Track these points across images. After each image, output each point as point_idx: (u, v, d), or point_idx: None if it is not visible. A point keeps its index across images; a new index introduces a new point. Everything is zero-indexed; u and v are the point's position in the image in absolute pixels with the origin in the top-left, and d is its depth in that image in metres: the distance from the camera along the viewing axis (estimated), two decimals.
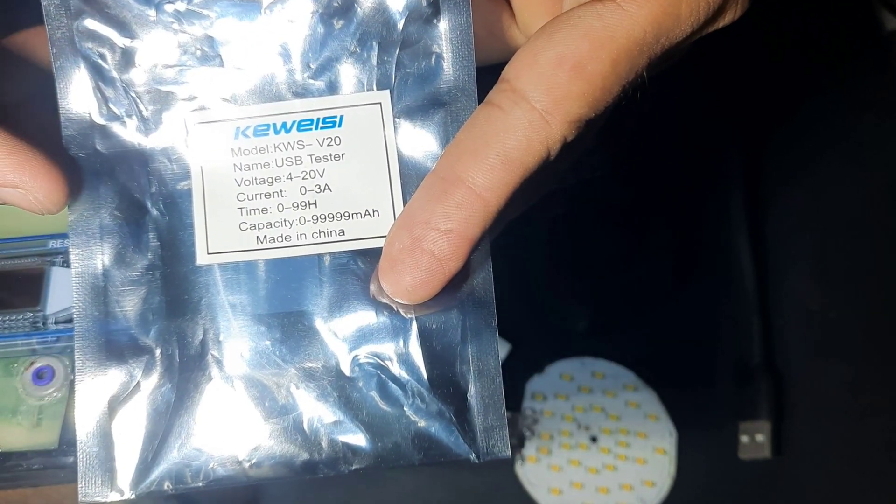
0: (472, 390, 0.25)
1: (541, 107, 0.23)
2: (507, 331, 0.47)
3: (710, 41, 0.26)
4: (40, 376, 0.29)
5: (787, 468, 0.46)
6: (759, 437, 0.45)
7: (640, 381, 0.47)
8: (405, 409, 0.25)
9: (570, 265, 0.48)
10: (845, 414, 0.46)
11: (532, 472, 0.46)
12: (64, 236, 0.30)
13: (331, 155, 0.26)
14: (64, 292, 0.29)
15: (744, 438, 0.46)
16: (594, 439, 0.47)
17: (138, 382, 0.25)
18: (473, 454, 0.25)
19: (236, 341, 0.26)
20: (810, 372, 0.47)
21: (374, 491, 0.46)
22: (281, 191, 0.26)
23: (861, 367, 0.46)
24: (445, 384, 0.25)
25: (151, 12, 0.26)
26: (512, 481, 0.46)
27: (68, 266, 0.29)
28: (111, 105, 0.26)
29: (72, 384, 0.29)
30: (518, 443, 0.46)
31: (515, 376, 0.47)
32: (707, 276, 0.49)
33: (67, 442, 0.28)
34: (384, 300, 0.26)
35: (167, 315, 0.26)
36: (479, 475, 0.46)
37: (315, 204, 0.26)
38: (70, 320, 0.28)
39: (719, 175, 0.50)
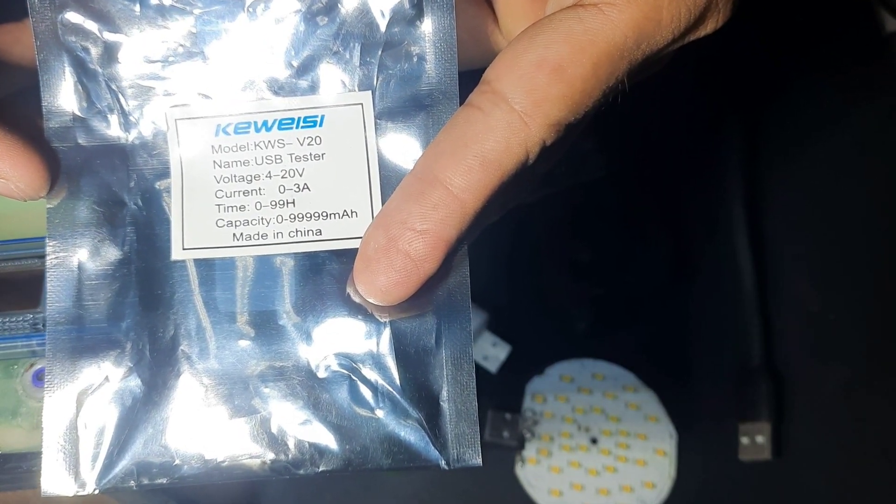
0: (444, 395, 0.25)
1: (520, 108, 0.23)
2: (507, 332, 0.48)
3: (711, 42, 0.26)
4: (40, 378, 0.29)
5: (787, 469, 0.46)
6: (760, 439, 0.45)
7: (640, 383, 0.47)
8: (375, 412, 0.25)
9: (570, 267, 0.48)
10: (845, 415, 0.46)
11: (532, 473, 0.46)
12: None
13: (311, 154, 0.26)
14: None
15: (744, 440, 0.46)
16: (594, 441, 0.47)
17: (107, 376, 0.25)
18: (444, 461, 0.25)
19: (207, 338, 0.25)
20: (810, 373, 0.47)
21: (373, 492, 0.46)
22: (259, 189, 0.26)
23: (861, 368, 0.46)
24: (417, 389, 0.25)
25: (136, 7, 0.26)
26: (512, 483, 0.46)
27: None
28: (93, 99, 0.26)
29: None
30: (518, 444, 0.46)
31: (515, 378, 0.47)
32: (707, 277, 0.49)
33: None
34: (359, 301, 0.25)
35: (140, 310, 0.26)
36: (479, 477, 0.46)
37: (293, 203, 0.26)
38: None
39: (719, 176, 0.50)
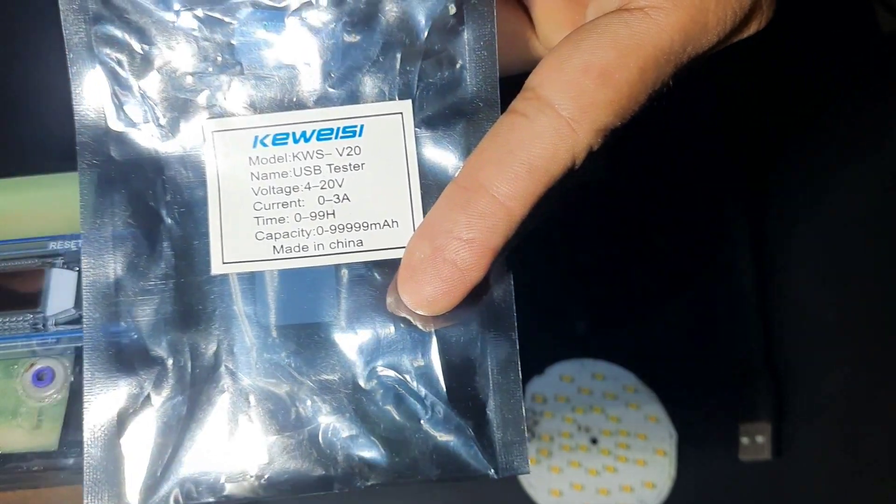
0: (491, 405, 0.25)
1: (567, 114, 0.23)
2: None
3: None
4: (40, 378, 0.29)
5: (788, 469, 0.46)
6: (760, 439, 0.45)
7: (640, 383, 0.47)
8: (423, 423, 0.25)
9: (570, 266, 0.48)
10: (845, 415, 0.46)
11: (532, 473, 0.46)
12: (64, 237, 0.30)
13: (350, 164, 0.26)
14: (64, 294, 0.29)
15: (744, 440, 0.46)
16: (594, 441, 0.47)
17: (149, 394, 0.25)
18: (493, 470, 0.25)
19: (250, 353, 0.25)
20: (810, 373, 0.47)
21: (374, 492, 0.46)
22: (299, 200, 0.25)
23: (861, 368, 0.46)
24: (464, 398, 0.25)
25: (171, 18, 0.25)
26: (512, 483, 0.46)
27: (69, 268, 0.29)
28: (127, 112, 0.26)
29: (72, 386, 0.29)
30: None
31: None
32: (707, 277, 0.49)
33: (67, 444, 0.28)
34: (402, 313, 0.25)
35: (180, 326, 0.25)
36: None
37: (333, 214, 0.25)
38: (70, 322, 0.28)
39: (719, 176, 0.50)
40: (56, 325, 0.28)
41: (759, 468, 0.46)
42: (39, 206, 0.31)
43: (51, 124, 0.53)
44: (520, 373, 0.25)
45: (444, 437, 0.25)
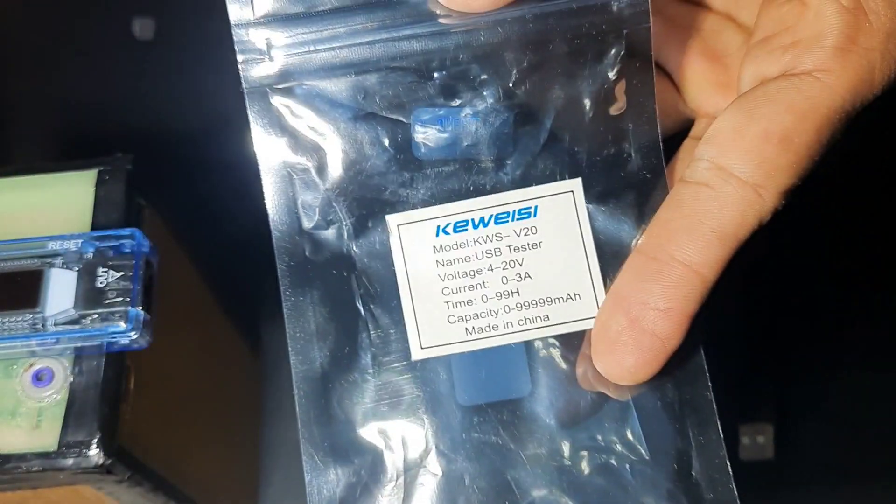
0: (696, 466, 0.26)
1: (753, 181, 0.24)
2: None
3: None
4: (39, 378, 0.29)
5: (788, 469, 0.46)
6: (760, 439, 0.45)
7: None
8: (631, 490, 0.25)
9: None
10: (846, 415, 0.46)
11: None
12: (63, 238, 0.30)
13: (528, 244, 0.26)
14: (63, 294, 0.29)
15: (745, 439, 0.46)
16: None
17: (366, 483, 0.26)
18: None
19: (459, 433, 0.26)
20: (811, 373, 0.47)
21: None
22: (483, 282, 0.26)
23: (862, 367, 0.46)
24: (669, 462, 0.26)
25: (353, 122, 0.27)
26: None
27: (68, 268, 0.29)
28: (317, 213, 0.27)
29: (71, 386, 0.29)
30: None
31: None
32: None
33: (66, 444, 0.28)
34: (597, 384, 0.26)
35: (388, 412, 0.26)
36: None
37: (517, 292, 0.26)
38: (69, 322, 0.28)
39: None
40: (55, 325, 0.28)
41: (759, 468, 0.46)
42: (39, 206, 0.31)
43: (51, 124, 0.53)
44: (720, 431, 0.26)
45: (654, 503, 0.25)
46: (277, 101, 0.27)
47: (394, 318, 0.27)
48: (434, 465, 0.26)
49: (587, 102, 0.27)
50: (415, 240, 0.27)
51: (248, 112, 0.27)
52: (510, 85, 0.27)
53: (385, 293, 0.27)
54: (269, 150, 0.27)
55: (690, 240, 0.24)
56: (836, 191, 0.49)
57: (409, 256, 0.27)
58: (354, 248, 0.27)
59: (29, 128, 0.53)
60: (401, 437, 0.26)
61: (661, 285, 0.24)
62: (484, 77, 0.27)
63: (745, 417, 0.46)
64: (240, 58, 0.26)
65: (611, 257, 0.26)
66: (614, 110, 0.27)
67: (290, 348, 0.26)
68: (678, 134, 0.29)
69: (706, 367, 0.26)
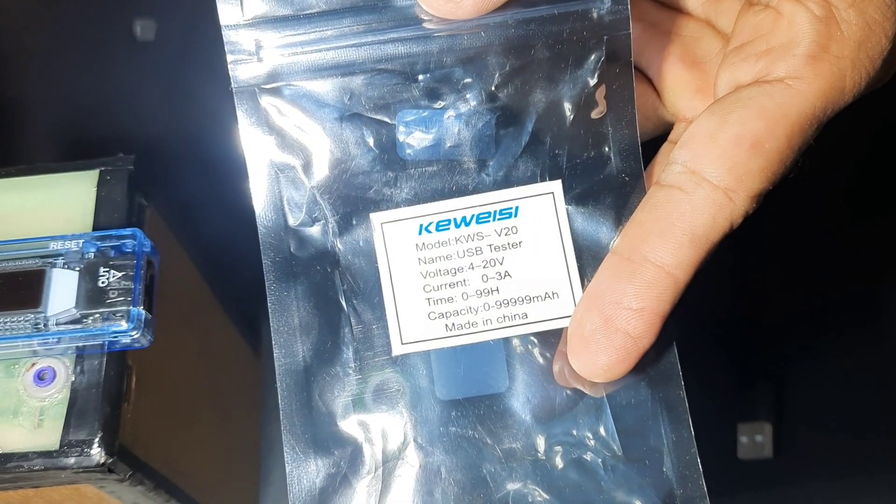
0: (667, 462, 0.26)
1: (724, 185, 0.25)
2: None
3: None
4: (41, 377, 0.29)
5: (788, 469, 0.46)
6: (759, 438, 0.45)
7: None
8: (604, 485, 0.26)
9: None
10: (845, 414, 0.46)
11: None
12: (64, 238, 0.30)
13: (509, 244, 0.27)
14: (65, 294, 0.29)
15: (743, 439, 0.46)
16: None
17: (345, 473, 0.26)
18: None
19: (436, 427, 0.27)
20: (810, 372, 0.47)
21: None
22: (464, 280, 0.27)
23: (861, 367, 0.46)
24: (641, 458, 0.26)
25: (339, 122, 0.27)
26: None
27: (69, 267, 0.29)
28: (303, 211, 0.27)
29: (72, 385, 0.29)
30: None
31: None
32: (706, 275, 0.49)
33: (68, 443, 0.28)
34: (572, 381, 0.26)
35: (368, 406, 0.27)
36: None
37: (497, 290, 0.27)
38: (71, 322, 0.28)
39: None
40: (57, 324, 0.28)
41: (758, 468, 0.46)
42: (41, 206, 0.31)
43: (53, 125, 0.53)
44: (692, 429, 0.26)
45: (625, 498, 0.26)
46: (265, 100, 0.27)
47: (376, 313, 0.27)
48: (412, 458, 0.26)
49: (568, 106, 0.27)
50: (398, 238, 0.27)
51: (237, 111, 0.27)
52: (493, 88, 0.27)
53: (368, 289, 0.27)
54: (256, 149, 0.27)
55: (663, 242, 0.25)
56: (835, 190, 0.50)
57: (391, 254, 0.27)
58: (339, 245, 0.27)
59: (31, 128, 0.53)
60: (380, 429, 0.26)
61: (634, 285, 0.25)
62: (467, 80, 0.27)
63: (744, 417, 0.46)
64: (229, 58, 0.27)
65: (589, 258, 0.27)
66: (595, 114, 0.27)
67: (273, 342, 0.27)
68: (658, 137, 0.30)
69: (679, 367, 0.26)
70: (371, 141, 0.28)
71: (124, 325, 0.28)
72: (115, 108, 0.53)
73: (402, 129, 0.27)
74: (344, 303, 0.27)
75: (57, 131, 0.53)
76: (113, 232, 0.30)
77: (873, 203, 0.49)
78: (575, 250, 0.27)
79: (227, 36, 0.26)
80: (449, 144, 0.28)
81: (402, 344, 0.27)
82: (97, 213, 0.31)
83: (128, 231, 0.30)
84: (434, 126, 0.28)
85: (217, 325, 0.43)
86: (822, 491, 0.45)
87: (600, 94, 0.27)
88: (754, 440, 0.45)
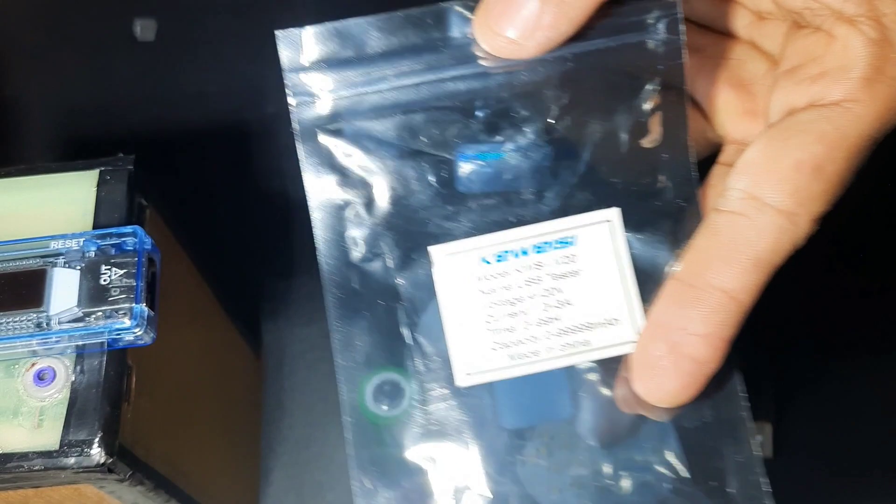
0: (732, 483, 0.26)
1: (787, 210, 0.25)
2: None
3: None
4: (41, 377, 0.29)
5: (788, 469, 0.46)
6: (759, 437, 0.45)
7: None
8: None
9: None
10: (845, 414, 0.46)
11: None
12: (65, 237, 0.30)
13: (568, 272, 0.27)
14: (67, 293, 0.29)
15: None
16: None
17: None
18: None
19: (503, 457, 0.27)
20: (810, 372, 0.47)
21: None
22: (525, 310, 0.27)
23: (861, 367, 0.46)
24: (706, 480, 0.27)
25: (399, 159, 0.28)
26: None
27: (70, 267, 0.29)
28: (365, 247, 0.28)
29: (72, 385, 0.29)
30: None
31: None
32: None
33: (68, 443, 0.28)
34: (638, 407, 0.27)
35: (434, 437, 0.27)
36: None
37: (558, 319, 0.27)
38: (74, 320, 0.28)
39: None
40: (60, 323, 0.28)
41: None
42: (41, 206, 0.31)
43: (53, 125, 0.53)
44: (757, 448, 0.27)
45: None
46: (327, 140, 0.27)
47: (438, 346, 0.27)
48: (481, 488, 0.27)
49: (623, 135, 0.28)
50: (458, 270, 0.28)
51: (299, 152, 0.28)
52: (550, 121, 0.28)
53: (430, 322, 0.28)
54: (318, 188, 0.28)
55: (728, 267, 0.25)
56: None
57: (452, 286, 0.28)
58: (400, 279, 0.28)
59: (31, 128, 0.53)
60: (448, 461, 0.27)
61: (699, 311, 0.25)
62: (525, 114, 0.28)
63: None
64: (292, 101, 0.27)
65: (648, 283, 0.27)
66: (649, 142, 0.28)
67: (338, 377, 0.27)
68: (706, 159, 0.30)
69: (743, 389, 0.27)
70: (431, 176, 0.28)
71: (127, 322, 0.28)
72: (115, 108, 0.53)
73: (461, 163, 0.28)
74: (407, 336, 0.28)
75: (57, 131, 0.53)
76: (113, 230, 0.30)
77: (873, 203, 0.49)
78: (633, 276, 0.27)
79: (289, 79, 0.27)
80: (507, 177, 0.28)
81: (467, 375, 0.27)
82: (97, 213, 0.31)
83: (128, 229, 0.30)
84: (492, 159, 0.28)
85: (217, 325, 0.43)
86: (822, 491, 0.45)
87: (655, 123, 0.27)
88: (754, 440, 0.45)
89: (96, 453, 0.28)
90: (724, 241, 0.25)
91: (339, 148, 0.28)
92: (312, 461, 0.46)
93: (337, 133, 0.27)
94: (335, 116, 0.27)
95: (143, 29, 0.54)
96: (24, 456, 0.28)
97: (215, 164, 0.52)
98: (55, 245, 0.30)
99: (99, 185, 0.31)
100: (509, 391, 0.27)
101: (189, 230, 0.37)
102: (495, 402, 0.27)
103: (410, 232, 0.28)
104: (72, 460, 0.28)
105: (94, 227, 0.31)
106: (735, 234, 0.25)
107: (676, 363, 0.25)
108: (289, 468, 0.46)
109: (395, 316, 0.28)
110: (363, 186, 0.28)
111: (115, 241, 0.30)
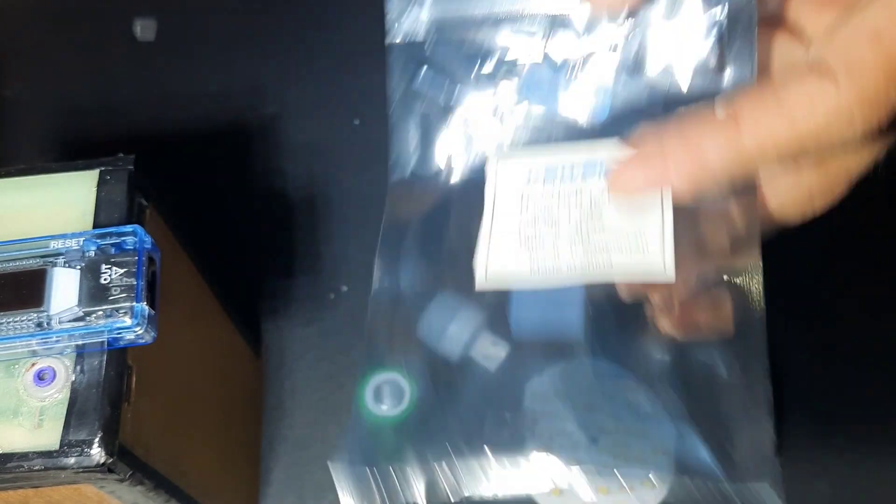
0: (738, 426, 0.27)
1: (844, 85, 0.25)
2: (507, 332, 0.47)
3: None
4: (41, 377, 0.29)
5: (787, 468, 0.46)
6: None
7: (641, 382, 0.47)
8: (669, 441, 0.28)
9: None
10: (846, 414, 0.46)
11: (532, 472, 0.46)
12: (65, 236, 0.30)
13: (610, 199, 0.28)
14: (67, 292, 0.29)
15: None
16: (594, 440, 0.47)
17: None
18: (732, 477, 0.27)
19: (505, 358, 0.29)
20: (810, 372, 0.47)
21: None
22: (559, 227, 0.28)
23: (862, 366, 0.46)
24: (707, 416, 0.27)
25: (473, 74, 0.30)
26: None
27: (70, 266, 0.29)
28: (432, 152, 0.30)
29: (72, 385, 0.29)
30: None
31: (514, 377, 0.47)
32: None
33: (68, 443, 0.28)
34: (663, 327, 0.28)
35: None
36: None
37: (588, 241, 0.27)
38: (75, 319, 0.28)
39: None
40: (60, 323, 0.28)
41: None
42: (42, 206, 0.31)
43: (53, 125, 0.53)
44: (770, 399, 0.27)
45: (687, 457, 0.28)
46: (414, 54, 0.29)
47: (469, 245, 0.29)
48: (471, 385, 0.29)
49: (687, 70, 0.28)
50: (508, 179, 0.29)
51: (388, 63, 0.30)
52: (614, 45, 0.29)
53: (470, 225, 0.29)
54: (400, 99, 0.30)
55: (766, 114, 0.25)
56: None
57: (499, 192, 0.29)
58: (454, 183, 0.30)
59: (31, 128, 0.53)
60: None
61: (716, 142, 0.25)
62: (592, 38, 0.29)
63: None
64: (390, 15, 0.29)
65: (685, 221, 0.27)
66: (713, 79, 0.28)
67: (376, 266, 0.29)
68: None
69: (765, 331, 0.28)
70: (499, 92, 0.30)
71: (128, 321, 0.28)
72: (115, 108, 0.53)
73: (527, 80, 0.29)
74: (444, 234, 0.29)
75: (57, 131, 0.53)
76: (113, 229, 0.30)
77: (873, 202, 0.49)
78: (671, 211, 0.27)
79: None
80: (568, 98, 0.29)
81: (486, 279, 0.28)
82: (97, 213, 0.31)
83: (128, 228, 0.30)
84: (557, 79, 0.29)
85: (217, 325, 0.43)
86: (822, 490, 0.45)
87: (721, 56, 0.28)
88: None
89: (96, 453, 0.28)
90: (779, 97, 0.25)
91: (425, 61, 0.29)
92: (312, 461, 0.46)
93: (424, 48, 0.29)
94: (425, 32, 0.29)
95: (144, 29, 0.54)
96: (24, 456, 0.28)
97: (215, 164, 0.52)
98: (55, 245, 0.30)
99: (99, 184, 0.31)
100: (525, 302, 0.28)
101: (189, 230, 0.37)
102: (510, 310, 0.28)
103: (473, 140, 0.29)
104: (72, 460, 0.28)
105: (95, 226, 0.31)
106: (784, 95, 0.25)
107: (657, 165, 0.26)
108: (289, 468, 0.46)
109: (441, 213, 0.29)
110: (439, 97, 0.29)
111: (115, 240, 0.30)
